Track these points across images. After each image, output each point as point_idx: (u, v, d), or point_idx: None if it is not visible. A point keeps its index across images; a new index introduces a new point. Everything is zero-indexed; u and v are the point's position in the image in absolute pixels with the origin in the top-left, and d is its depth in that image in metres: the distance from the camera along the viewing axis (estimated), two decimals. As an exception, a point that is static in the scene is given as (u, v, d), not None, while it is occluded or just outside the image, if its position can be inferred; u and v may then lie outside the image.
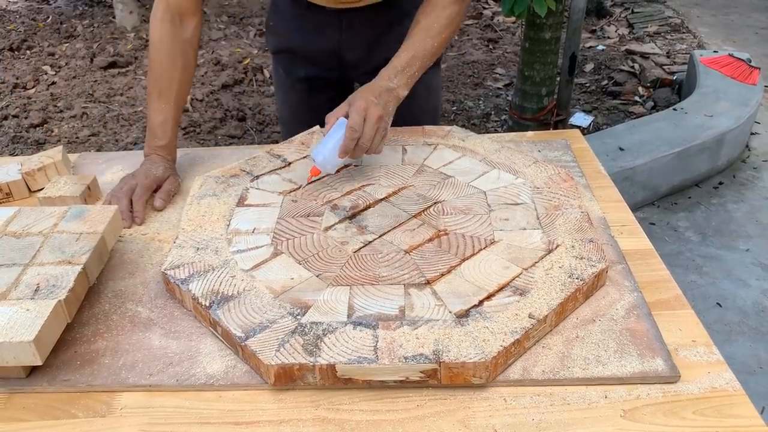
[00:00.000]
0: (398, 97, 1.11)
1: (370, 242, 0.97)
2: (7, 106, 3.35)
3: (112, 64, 3.77)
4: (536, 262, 0.91)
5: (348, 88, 1.52)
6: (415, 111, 1.37)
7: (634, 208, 2.60)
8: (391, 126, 1.13)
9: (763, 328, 2.05)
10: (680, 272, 2.29)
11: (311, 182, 1.12)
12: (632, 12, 4.47)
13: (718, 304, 2.15)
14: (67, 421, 0.77)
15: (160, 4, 1.19)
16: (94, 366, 0.82)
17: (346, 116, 1.07)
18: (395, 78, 1.10)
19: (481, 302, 0.84)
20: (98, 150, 2.99)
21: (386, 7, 1.33)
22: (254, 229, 1.01)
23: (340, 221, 1.02)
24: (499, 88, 3.53)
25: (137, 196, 1.12)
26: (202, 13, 1.23)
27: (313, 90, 1.46)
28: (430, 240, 0.97)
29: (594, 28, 4.26)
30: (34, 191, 1.21)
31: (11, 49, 4.03)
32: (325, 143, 1.07)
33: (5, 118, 3.25)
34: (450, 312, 0.83)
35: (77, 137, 3.09)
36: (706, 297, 2.18)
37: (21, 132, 3.14)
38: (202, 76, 3.60)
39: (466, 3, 1.19)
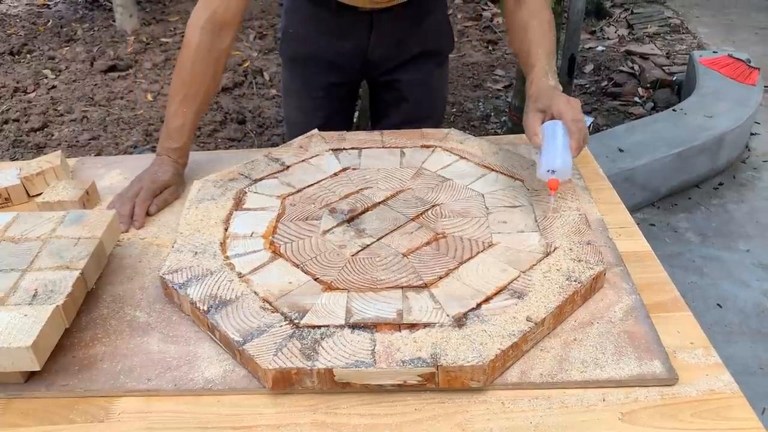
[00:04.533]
0: (561, 91, 1.08)
1: (368, 245, 0.97)
2: (8, 110, 3.36)
3: (112, 68, 3.77)
4: (534, 265, 0.91)
5: (356, 90, 1.56)
6: (432, 101, 1.50)
7: (634, 209, 2.60)
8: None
9: (763, 329, 2.05)
10: (680, 273, 2.28)
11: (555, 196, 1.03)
12: (632, 13, 4.47)
13: (718, 305, 2.15)
14: (65, 426, 0.77)
15: (204, 12, 1.17)
16: (92, 371, 0.82)
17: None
18: (549, 77, 1.09)
19: (478, 305, 0.84)
20: (98, 154, 2.99)
21: (414, 4, 1.35)
22: (252, 232, 1.01)
23: (338, 225, 1.02)
24: (498, 90, 3.53)
25: (140, 200, 1.12)
26: (240, 24, 1.23)
27: (330, 97, 1.48)
28: (428, 243, 0.97)
29: (593, 29, 4.26)
30: (33, 196, 1.21)
31: (11, 53, 4.03)
32: (553, 150, 0.98)
33: (6, 122, 3.25)
34: (448, 315, 0.83)
35: (77, 141, 3.09)
36: (706, 298, 2.18)
37: (21, 136, 3.14)
38: (202, 79, 3.60)
39: None
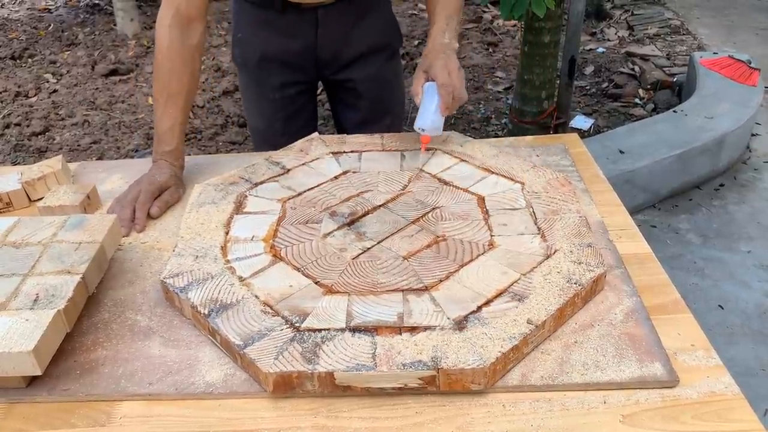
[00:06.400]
0: (455, 48, 1.20)
1: (369, 249, 0.97)
2: (9, 114, 3.37)
3: (114, 72, 3.78)
4: (534, 268, 0.91)
5: (314, 92, 1.56)
6: (387, 96, 1.53)
7: (635, 210, 2.60)
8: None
9: (765, 331, 2.04)
10: (681, 275, 2.28)
11: (427, 150, 1.20)
12: (632, 14, 4.48)
13: (719, 306, 2.15)
14: (67, 431, 0.77)
15: (168, 10, 1.19)
16: (93, 375, 0.82)
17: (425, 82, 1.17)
18: (445, 34, 1.20)
19: (479, 308, 0.84)
20: (100, 157, 2.99)
21: (357, 1, 1.38)
22: (253, 236, 1.01)
23: (339, 228, 1.02)
24: (499, 92, 3.53)
25: (140, 203, 1.12)
26: (206, 18, 1.25)
27: (287, 97, 1.48)
28: (429, 246, 0.97)
29: (594, 30, 4.26)
30: (34, 200, 1.21)
31: (13, 58, 4.04)
32: (426, 110, 1.15)
33: (7, 126, 3.26)
34: (448, 318, 0.83)
35: (79, 145, 3.09)
36: (707, 299, 2.18)
37: (23, 140, 3.15)
38: (203, 82, 3.61)
39: None
